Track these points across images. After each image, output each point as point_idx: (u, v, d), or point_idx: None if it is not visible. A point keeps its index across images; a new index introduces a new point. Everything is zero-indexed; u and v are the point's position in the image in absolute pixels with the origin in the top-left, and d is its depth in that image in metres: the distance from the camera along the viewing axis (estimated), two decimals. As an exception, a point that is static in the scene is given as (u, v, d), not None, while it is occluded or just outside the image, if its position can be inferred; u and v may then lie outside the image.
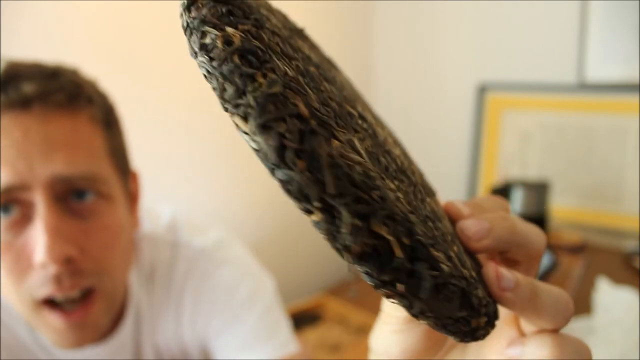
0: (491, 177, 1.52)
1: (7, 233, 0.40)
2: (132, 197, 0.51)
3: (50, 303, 0.41)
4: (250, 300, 0.54)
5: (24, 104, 0.40)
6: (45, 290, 0.40)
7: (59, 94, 0.41)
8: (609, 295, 0.86)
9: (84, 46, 1.00)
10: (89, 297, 0.42)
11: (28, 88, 0.40)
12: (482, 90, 1.54)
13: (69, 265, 0.40)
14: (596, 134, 1.40)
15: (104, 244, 0.43)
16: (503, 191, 1.27)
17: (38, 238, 0.39)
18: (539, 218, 1.19)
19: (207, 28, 0.15)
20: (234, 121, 0.15)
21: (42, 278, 0.40)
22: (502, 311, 0.23)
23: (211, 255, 0.55)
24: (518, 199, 1.18)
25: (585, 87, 1.39)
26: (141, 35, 1.10)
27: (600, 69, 1.37)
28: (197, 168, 1.27)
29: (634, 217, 1.34)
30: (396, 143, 0.27)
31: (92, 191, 0.43)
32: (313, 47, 0.26)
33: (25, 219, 0.41)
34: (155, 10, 1.10)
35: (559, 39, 1.40)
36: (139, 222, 0.52)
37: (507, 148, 1.54)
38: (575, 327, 0.81)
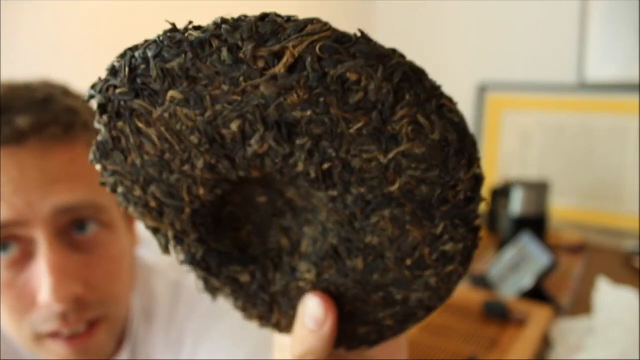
0: (491, 177, 1.52)
1: (7, 271, 0.39)
2: (129, 214, 0.50)
3: (53, 334, 0.40)
4: (254, 355, 0.51)
5: (18, 139, 0.39)
6: (50, 326, 0.39)
7: (54, 127, 0.40)
8: (609, 295, 0.86)
9: (83, 46, 1.00)
10: (94, 325, 0.41)
11: (22, 122, 0.39)
12: (482, 90, 1.54)
13: (76, 303, 0.39)
14: (596, 134, 1.40)
15: (109, 275, 0.42)
16: (503, 191, 1.27)
17: (42, 278, 0.38)
18: (539, 218, 1.19)
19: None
20: None
21: (47, 315, 0.39)
22: None
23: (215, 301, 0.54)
24: (518, 199, 1.18)
25: (585, 87, 1.39)
26: (141, 36, 1.10)
27: (600, 69, 1.37)
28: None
29: (634, 217, 1.34)
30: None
31: (94, 221, 0.41)
32: None
33: (26, 257, 0.39)
34: (155, 10, 1.10)
35: (559, 39, 1.40)
36: (137, 239, 0.51)
37: (507, 148, 1.54)
38: (575, 327, 0.81)
